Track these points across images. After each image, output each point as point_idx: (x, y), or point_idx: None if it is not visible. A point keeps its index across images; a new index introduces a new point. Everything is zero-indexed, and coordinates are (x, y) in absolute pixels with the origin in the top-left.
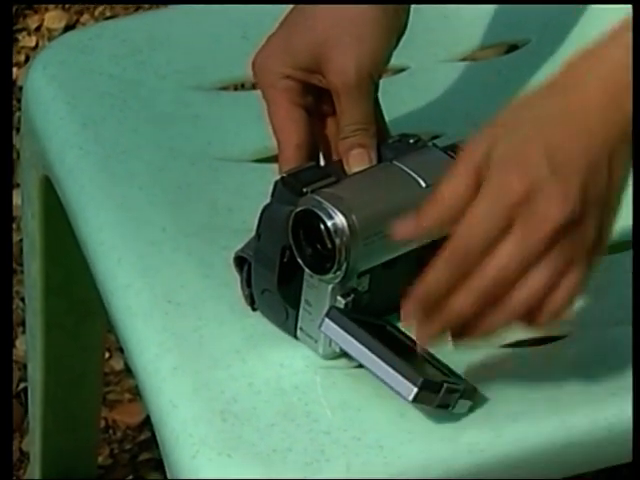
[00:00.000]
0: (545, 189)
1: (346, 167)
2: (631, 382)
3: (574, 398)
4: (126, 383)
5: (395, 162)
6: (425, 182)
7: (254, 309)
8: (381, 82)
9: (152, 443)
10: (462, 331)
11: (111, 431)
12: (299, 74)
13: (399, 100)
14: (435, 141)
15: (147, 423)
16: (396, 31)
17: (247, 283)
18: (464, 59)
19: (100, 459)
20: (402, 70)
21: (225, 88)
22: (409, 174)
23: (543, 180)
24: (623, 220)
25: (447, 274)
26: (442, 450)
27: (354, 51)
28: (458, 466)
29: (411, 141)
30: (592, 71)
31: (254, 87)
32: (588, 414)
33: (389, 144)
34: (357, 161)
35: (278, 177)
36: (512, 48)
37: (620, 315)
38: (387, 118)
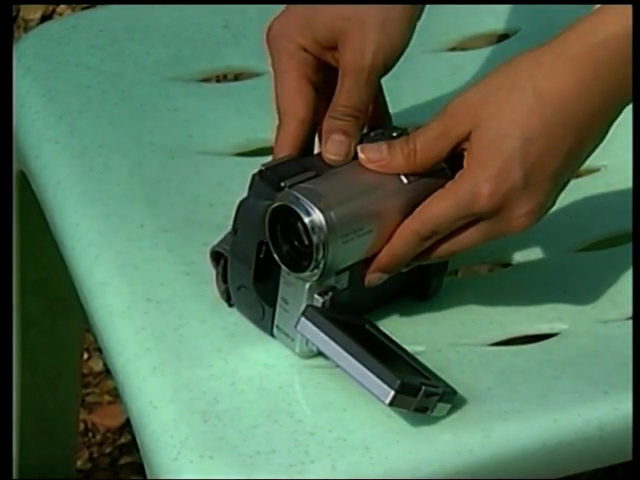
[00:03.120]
0: (516, 202)
1: (323, 149)
2: (625, 380)
3: (566, 397)
4: (105, 384)
5: None
6: (407, 178)
7: (230, 305)
8: None
9: (132, 446)
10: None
11: (90, 434)
12: (316, 48)
13: (385, 92)
14: None
15: (127, 426)
16: (415, 22)
17: (223, 278)
18: (453, 49)
19: (79, 463)
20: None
21: (206, 80)
22: None
23: (515, 192)
24: (620, 217)
25: (410, 251)
26: (430, 451)
27: (375, 35)
28: (447, 467)
29: (394, 134)
30: (564, 52)
31: (236, 78)
32: (580, 413)
33: (371, 137)
34: (335, 148)
35: (256, 170)
36: (502, 37)
37: (612, 312)
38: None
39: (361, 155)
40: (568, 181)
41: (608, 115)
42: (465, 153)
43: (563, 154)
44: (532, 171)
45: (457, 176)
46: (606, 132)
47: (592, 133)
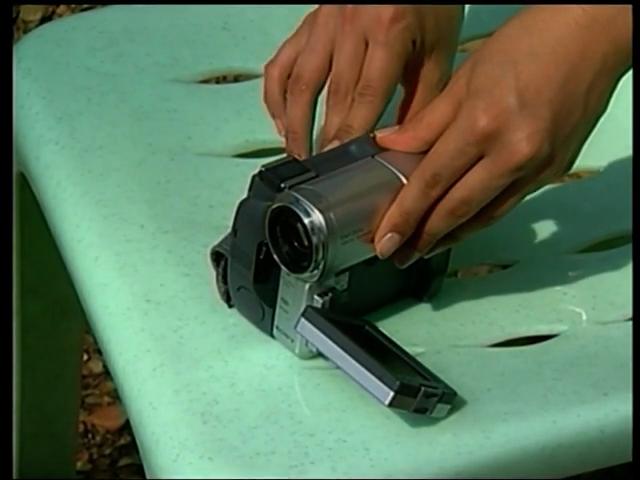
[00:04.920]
0: (514, 123)
1: None
2: (624, 382)
3: (565, 398)
4: (105, 386)
5: (377, 157)
6: (407, 179)
7: (230, 306)
8: None
9: (132, 447)
10: (434, 246)
11: (90, 435)
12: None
13: None
14: None
15: (127, 427)
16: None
17: (223, 279)
18: None
19: (79, 464)
20: None
21: (205, 81)
22: (391, 170)
23: (512, 114)
24: (619, 218)
25: (418, 204)
26: (430, 452)
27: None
28: (447, 468)
29: None
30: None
31: (236, 80)
32: (580, 414)
33: (372, 138)
34: None
35: (256, 171)
36: None
37: (612, 313)
38: None
39: (377, 133)
40: (580, 128)
41: (603, 52)
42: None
43: (558, 82)
44: (525, 93)
45: (455, 119)
46: (612, 84)
47: (587, 67)
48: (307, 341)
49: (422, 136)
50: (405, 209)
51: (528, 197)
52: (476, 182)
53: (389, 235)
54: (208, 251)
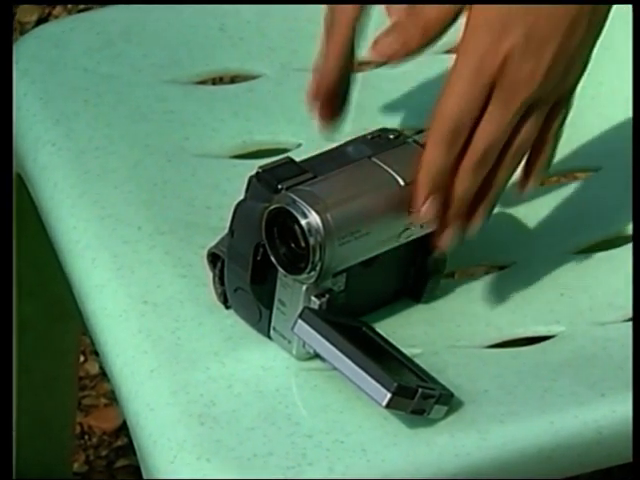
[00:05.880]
0: (519, 58)
1: None
2: (622, 383)
3: (563, 399)
4: (102, 387)
5: (374, 159)
6: (404, 180)
7: (227, 307)
8: (363, 75)
9: (129, 449)
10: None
11: (87, 437)
12: None
13: (382, 94)
14: (419, 136)
15: (124, 428)
16: None
17: (220, 281)
18: (449, 51)
19: (75, 466)
20: (385, 63)
21: (202, 82)
22: (388, 172)
23: (518, 49)
24: (618, 218)
25: (440, 150)
26: (427, 453)
27: None
28: (444, 470)
29: (391, 136)
30: None
31: (232, 81)
32: (577, 415)
33: (368, 140)
34: None
35: (253, 172)
36: None
37: (610, 314)
38: (370, 112)
39: (373, 52)
40: (583, 46)
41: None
42: (467, 18)
43: (563, 7)
44: (533, 22)
45: (460, 49)
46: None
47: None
48: (304, 342)
49: (421, 22)
50: (432, 167)
51: (526, 197)
52: (493, 124)
53: (429, 200)
54: (205, 252)
